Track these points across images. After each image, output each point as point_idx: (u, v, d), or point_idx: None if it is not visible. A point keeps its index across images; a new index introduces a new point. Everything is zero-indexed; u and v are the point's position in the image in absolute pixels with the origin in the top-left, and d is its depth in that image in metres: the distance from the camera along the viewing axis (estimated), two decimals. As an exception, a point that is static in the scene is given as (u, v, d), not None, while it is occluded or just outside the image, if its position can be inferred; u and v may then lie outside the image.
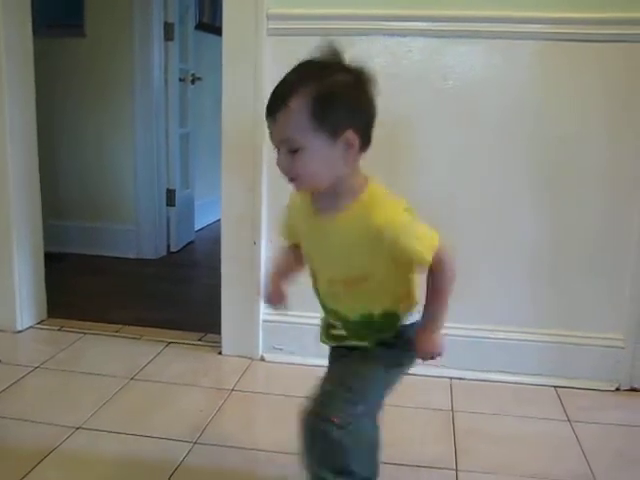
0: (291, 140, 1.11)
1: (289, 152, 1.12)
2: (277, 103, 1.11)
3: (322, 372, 2.17)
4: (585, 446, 1.73)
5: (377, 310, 1.24)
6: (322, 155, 1.11)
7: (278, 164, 1.15)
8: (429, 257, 1.14)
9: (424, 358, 1.24)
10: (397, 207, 1.17)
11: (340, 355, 1.34)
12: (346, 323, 1.28)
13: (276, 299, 1.38)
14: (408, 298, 1.26)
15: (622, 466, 1.66)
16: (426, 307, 1.22)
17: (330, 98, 1.09)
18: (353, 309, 1.25)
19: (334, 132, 1.10)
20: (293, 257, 1.36)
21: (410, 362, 1.30)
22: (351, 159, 1.14)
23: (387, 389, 1.29)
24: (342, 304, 1.27)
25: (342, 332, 1.30)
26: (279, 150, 1.14)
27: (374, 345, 1.26)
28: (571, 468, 1.64)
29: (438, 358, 1.24)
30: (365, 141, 1.14)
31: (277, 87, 1.14)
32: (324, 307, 1.32)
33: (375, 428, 1.32)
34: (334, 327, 1.32)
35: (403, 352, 1.26)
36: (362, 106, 1.13)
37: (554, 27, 1.95)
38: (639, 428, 1.87)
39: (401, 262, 1.18)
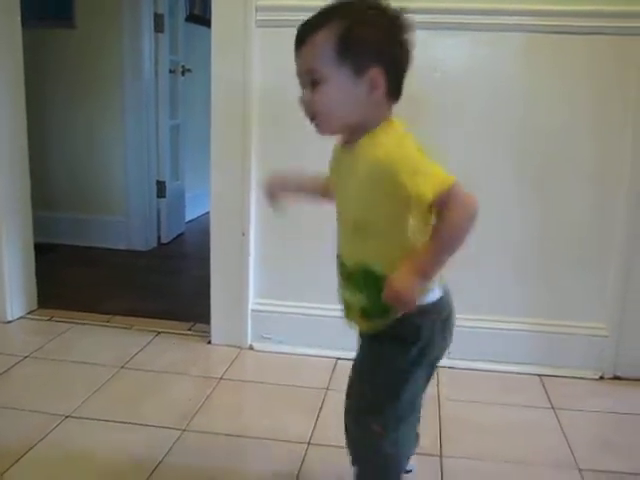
0: (313, 71, 1.08)
1: (311, 86, 1.09)
2: (305, 33, 1.09)
3: (310, 361, 2.21)
4: (568, 433, 1.76)
5: (375, 266, 1.13)
6: (344, 91, 1.08)
7: (300, 102, 1.12)
8: (430, 194, 1.02)
9: (388, 297, 1.06)
10: (404, 141, 1.09)
11: (361, 347, 1.28)
12: (343, 269, 1.21)
13: (272, 194, 1.35)
14: None
15: (604, 452, 1.69)
16: (424, 245, 1.08)
17: (357, 32, 1.06)
18: (351, 255, 1.18)
19: (358, 68, 1.06)
20: (319, 185, 1.31)
21: (424, 355, 1.17)
22: (375, 102, 1.09)
23: (408, 393, 1.19)
24: (346, 247, 1.20)
25: (345, 292, 1.22)
26: (304, 87, 1.11)
27: (376, 314, 1.16)
28: (554, 454, 1.67)
29: (402, 307, 1.08)
30: (394, 87, 1.10)
31: (307, 21, 1.11)
32: (338, 252, 1.23)
33: (393, 445, 1.22)
34: (340, 287, 1.24)
35: (412, 345, 1.15)
36: (391, 47, 1.08)
37: (541, 19, 1.97)
38: (622, 415, 1.90)
39: (402, 205, 1.07)
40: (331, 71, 1.06)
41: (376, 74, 1.07)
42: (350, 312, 1.23)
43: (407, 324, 1.14)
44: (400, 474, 1.29)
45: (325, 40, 1.06)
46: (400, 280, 1.05)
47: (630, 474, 1.59)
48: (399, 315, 1.12)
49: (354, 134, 1.13)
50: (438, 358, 1.23)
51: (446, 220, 1.05)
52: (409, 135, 1.10)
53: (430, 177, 1.03)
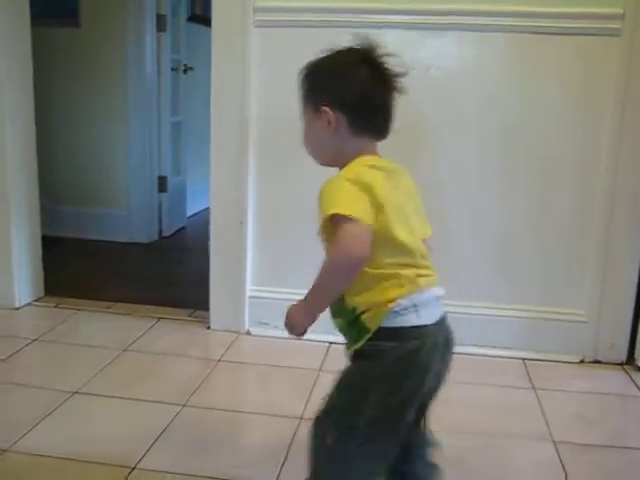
0: (301, 114, 1.23)
1: None
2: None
3: (304, 345, 2.31)
4: (546, 409, 1.87)
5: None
6: (310, 128, 1.20)
7: None
8: (325, 212, 1.07)
9: (285, 325, 1.16)
10: (346, 173, 1.13)
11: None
12: None
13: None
14: (367, 291, 1.11)
15: (579, 427, 1.80)
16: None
17: (312, 74, 1.20)
18: None
19: (315, 107, 1.18)
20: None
21: (387, 379, 1.10)
22: (337, 136, 1.16)
23: (371, 411, 1.10)
24: None
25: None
26: None
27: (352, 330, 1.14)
28: (531, 428, 1.78)
29: (292, 333, 1.16)
30: (355, 123, 1.16)
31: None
32: None
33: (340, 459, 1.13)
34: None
35: (375, 362, 1.10)
36: (343, 84, 1.16)
37: (524, 20, 2.07)
38: (599, 395, 2.01)
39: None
40: (304, 111, 1.22)
41: (325, 110, 1.15)
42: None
43: (371, 345, 1.11)
44: None
45: (300, 87, 1.22)
46: (290, 312, 1.16)
47: (600, 446, 1.70)
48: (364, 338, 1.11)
49: (338, 166, 1.19)
50: (411, 393, 1.13)
51: (328, 258, 1.10)
52: (370, 171, 1.13)
53: (335, 201, 1.07)
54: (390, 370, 1.10)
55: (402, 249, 1.11)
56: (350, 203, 1.06)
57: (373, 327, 1.10)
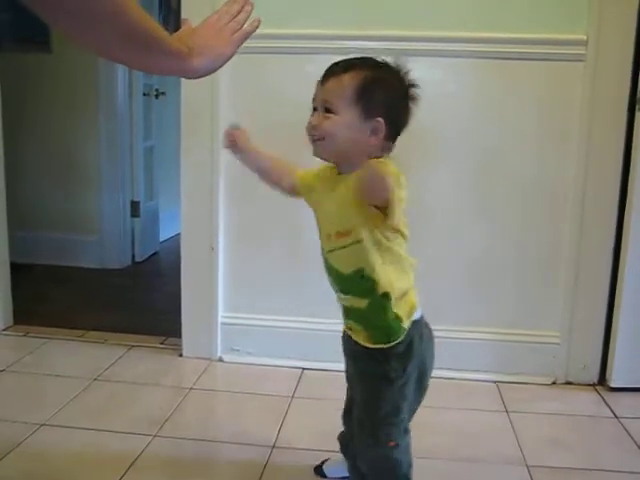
0: (330, 103, 1.26)
1: (324, 112, 1.27)
2: (333, 72, 1.27)
3: (277, 371, 2.29)
4: (519, 433, 1.87)
5: (367, 269, 1.27)
6: (349, 125, 1.25)
7: (309, 123, 1.29)
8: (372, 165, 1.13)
9: (365, 178, 1.13)
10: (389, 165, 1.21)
11: (348, 356, 1.44)
12: (341, 278, 1.33)
13: (230, 140, 1.49)
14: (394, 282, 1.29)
15: (552, 449, 1.80)
16: None
17: (376, 85, 1.26)
18: (346, 263, 1.30)
19: (368, 112, 1.25)
20: (277, 170, 1.52)
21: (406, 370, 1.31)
22: (372, 142, 1.26)
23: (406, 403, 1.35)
24: (338, 259, 1.32)
25: (344, 297, 1.35)
26: (315, 112, 1.29)
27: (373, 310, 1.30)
28: (504, 452, 1.78)
29: (375, 195, 1.15)
30: (391, 137, 1.29)
31: (336, 62, 1.29)
32: (326, 267, 1.37)
33: (405, 453, 1.40)
34: (339, 292, 1.37)
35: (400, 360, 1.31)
36: (399, 107, 1.29)
37: (492, 46, 2.10)
38: (571, 417, 2.02)
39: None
40: (344, 107, 1.25)
41: (380, 124, 1.25)
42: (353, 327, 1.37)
43: (394, 350, 1.31)
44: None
45: (348, 82, 1.25)
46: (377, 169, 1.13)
47: (574, 469, 1.71)
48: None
49: (340, 165, 1.32)
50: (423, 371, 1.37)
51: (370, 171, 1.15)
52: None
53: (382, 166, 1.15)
54: (407, 358, 1.31)
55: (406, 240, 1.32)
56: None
57: (406, 321, 1.31)
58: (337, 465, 1.62)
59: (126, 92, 3.61)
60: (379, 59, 1.31)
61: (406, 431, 1.38)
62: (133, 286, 3.41)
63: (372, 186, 1.13)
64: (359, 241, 1.26)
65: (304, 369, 2.24)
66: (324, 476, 1.65)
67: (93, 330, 2.59)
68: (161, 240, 4.17)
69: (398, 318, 1.30)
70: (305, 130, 1.31)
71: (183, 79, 2.20)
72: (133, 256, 3.81)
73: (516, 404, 2.06)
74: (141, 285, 3.44)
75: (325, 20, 2.16)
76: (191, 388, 2.12)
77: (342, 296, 1.36)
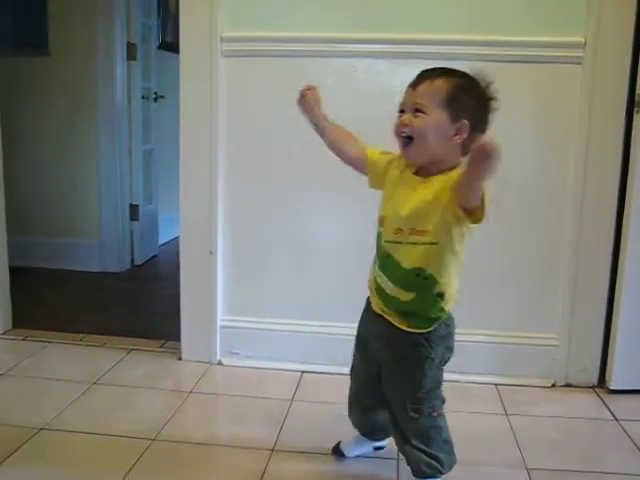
0: (421, 104, 1.36)
1: (414, 113, 1.36)
2: (425, 77, 1.38)
3: (276, 374, 2.28)
4: (519, 435, 1.87)
5: (431, 269, 1.40)
6: (437, 125, 1.35)
7: (398, 123, 1.39)
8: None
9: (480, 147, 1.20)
10: None
11: (377, 338, 1.52)
12: (398, 271, 1.42)
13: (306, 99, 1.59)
14: (449, 283, 1.44)
15: (552, 452, 1.80)
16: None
17: (466, 91, 1.37)
18: (411, 259, 1.40)
19: (455, 115, 1.35)
20: (344, 138, 1.59)
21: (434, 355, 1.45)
22: (454, 142, 1.36)
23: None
24: (403, 252, 1.41)
25: (391, 287, 1.44)
26: (403, 113, 1.39)
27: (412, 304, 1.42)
28: (504, 455, 1.77)
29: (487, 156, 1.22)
30: (470, 138, 1.35)
31: (429, 69, 1.40)
32: (380, 253, 1.46)
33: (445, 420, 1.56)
34: (387, 281, 1.45)
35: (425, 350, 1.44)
36: (482, 114, 1.40)
37: (490, 49, 2.10)
38: (571, 419, 2.01)
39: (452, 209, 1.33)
40: (435, 108, 1.35)
41: (465, 125, 1.36)
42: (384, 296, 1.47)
43: (430, 338, 1.45)
44: None
45: (440, 87, 1.36)
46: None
47: (574, 471, 1.70)
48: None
49: (428, 168, 1.40)
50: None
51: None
52: None
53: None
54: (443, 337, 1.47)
55: None
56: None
57: (447, 309, 1.47)
58: (354, 443, 1.72)
59: (125, 95, 3.61)
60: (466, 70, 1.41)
61: (444, 401, 1.53)
62: (132, 289, 3.41)
63: (477, 185, 1.28)
64: (435, 243, 1.37)
65: (303, 372, 2.23)
66: (343, 455, 1.72)
67: (92, 334, 2.58)
68: (160, 243, 4.17)
69: (442, 310, 1.45)
70: (393, 131, 1.40)
71: (182, 83, 2.21)
72: (132, 260, 3.81)
73: (516, 406, 2.06)
74: (140, 288, 3.44)
75: (324, 23, 2.17)
76: (190, 392, 2.11)
77: (390, 285, 1.44)
